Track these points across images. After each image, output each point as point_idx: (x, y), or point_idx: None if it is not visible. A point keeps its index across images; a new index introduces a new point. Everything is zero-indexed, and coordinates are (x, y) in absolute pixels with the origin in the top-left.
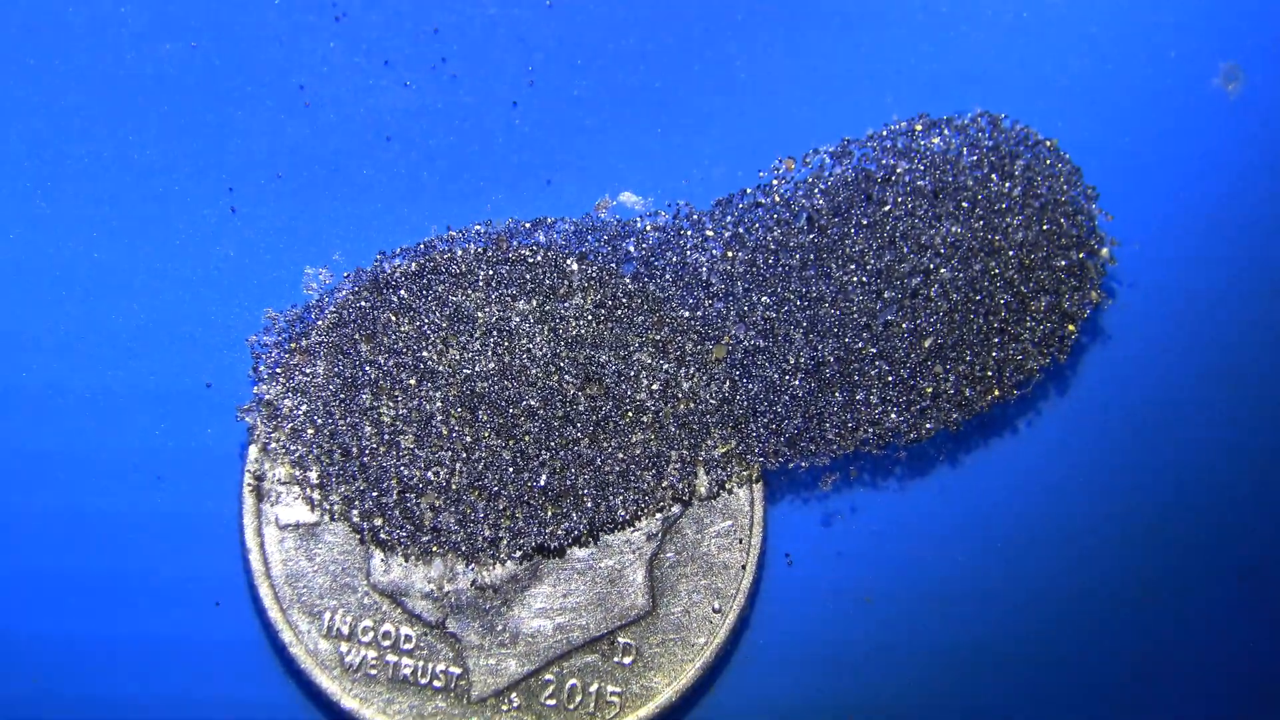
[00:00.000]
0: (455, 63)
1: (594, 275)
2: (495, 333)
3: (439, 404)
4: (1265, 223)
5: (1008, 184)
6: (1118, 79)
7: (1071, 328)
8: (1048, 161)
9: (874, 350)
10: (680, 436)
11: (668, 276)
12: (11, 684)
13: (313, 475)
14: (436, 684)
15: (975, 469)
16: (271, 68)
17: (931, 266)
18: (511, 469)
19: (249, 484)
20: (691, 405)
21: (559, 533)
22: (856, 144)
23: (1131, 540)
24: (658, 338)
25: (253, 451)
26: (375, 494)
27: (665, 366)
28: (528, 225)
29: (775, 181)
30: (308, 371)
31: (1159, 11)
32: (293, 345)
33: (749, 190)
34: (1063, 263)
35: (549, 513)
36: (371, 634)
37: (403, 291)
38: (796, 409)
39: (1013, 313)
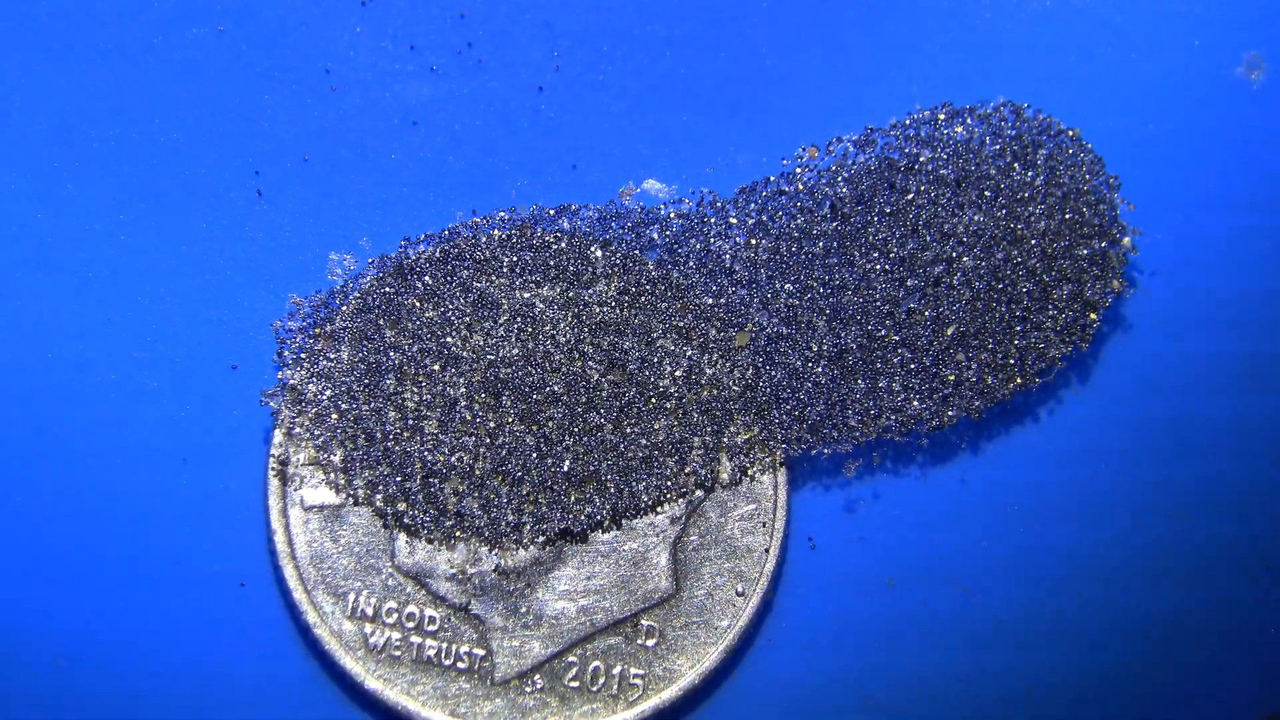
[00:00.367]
0: (481, 48)
1: (618, 262)
2: (519, 319)
3: (463, 389)
4: None
5: (1030, 173)
6: (1141, 68)
7: (1093, 316)
8: (1070, 151)
9: (897, 338)
10: (703, 423)
11: (691, 263)
12: (35, 663)
13: (337, 459)
14: (460, 665)
15: (997, 457)
16: (298, 52)
17: (954, 255)
18: (535, 454)
19: (274, 467)
20: (714, 392)
21: (582, 518)
22: (880, 132)
23: (1153, 527)
24: (681, 324)
25: (277, 436)
26: (399, 479)
27: (689, 353)
28: (552, 212)
29: (799, 169)
30: (332, 357)
31: (1182, 1)
32: (317, 330)
33: (773, 178)
34: (1085, 252)
35: (572, 498)
36: (396, 615)
37: (427, 277)
38: (819, 396)
39: (1035, 301)
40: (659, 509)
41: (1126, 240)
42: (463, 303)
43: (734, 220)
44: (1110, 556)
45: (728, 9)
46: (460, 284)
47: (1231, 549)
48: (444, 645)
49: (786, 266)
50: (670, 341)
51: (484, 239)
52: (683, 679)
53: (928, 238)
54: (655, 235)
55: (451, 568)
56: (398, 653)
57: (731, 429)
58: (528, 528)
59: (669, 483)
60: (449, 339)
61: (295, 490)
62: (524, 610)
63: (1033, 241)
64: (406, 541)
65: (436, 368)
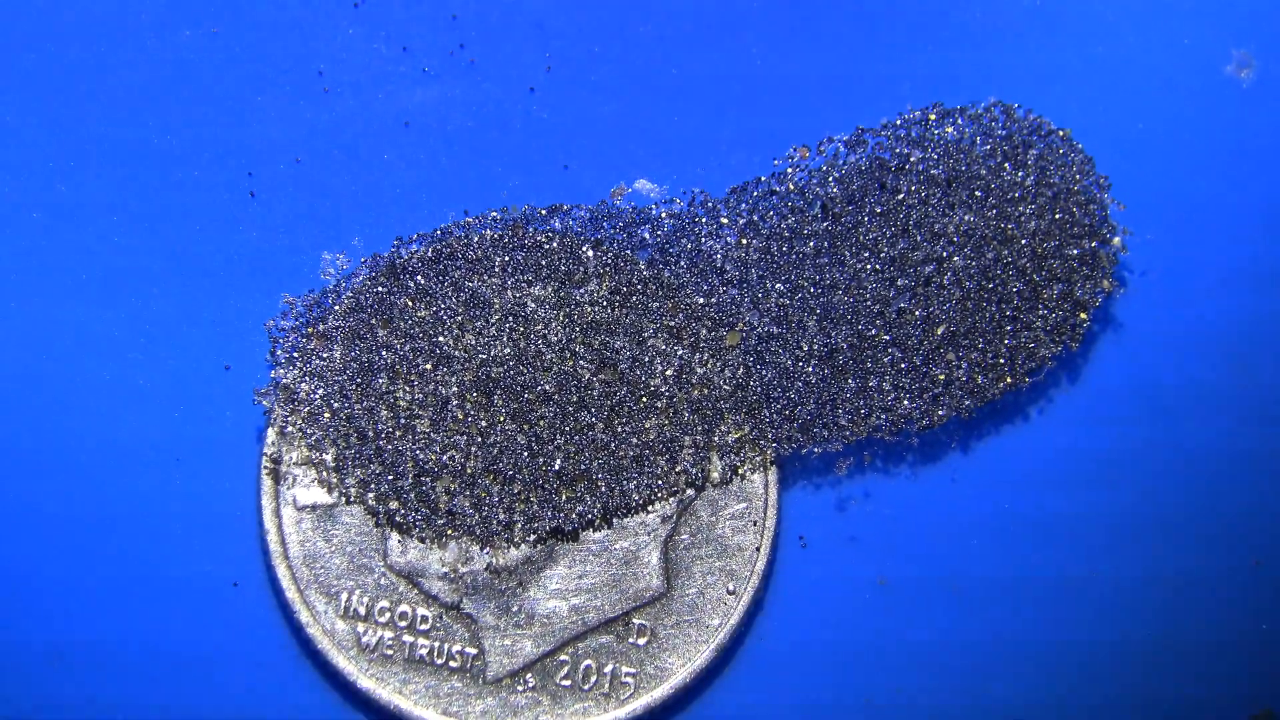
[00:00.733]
0: (473, 49)
1: (609, 262)
2: (511, 318)
3: (455, 389)
4: (1277, 211)
5: (1021, 173)
6: (1130, 67)
7: (1084, 316)
8: (1060, 151)
9: (887, 337)
10: (694, 422)
11: (683, 263)
12: (28, 662)
13: (329, 458)
14: (452, 664)
15: (987, 456)
16: (291, 54)
17: (945, 254)
18: (526, 453)
19: (266, 466)
20: (705, 391)
21: (573, 517)
22: (871, 133)
23: (1143, 527)
24: (672, 324)
25: (270, 434)
26: (391, 477)
27: (680, 352)
28: (544, 212)
29: (790, 170)
30: (325, 356)
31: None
32: (310, 330)
33: (764, 178)
34: (1075, 251)
35: (563, 497)
36: (388, 614)
37: (419, 277)
38: (810, 395)
39: (1025, 301)
40: (650, 508)
41: (1116, 240)
42: (455, 302)
43: (725, 220)
44: (1100, 555)
45: (719, 9)
46: (452, 283)
47: (1222, 546)
48: (436, 644)
49: (777, 266)
50: (661, 341)
51: (476, 239)
52: (674, 677)
53: (918, 237)
54: (647, 235)
55: (443, 566)
56: (390, 652)
57: (722, 428)
58: (519, 526)
59: (660, 481)
60: (441, 338)
61: (288, 489)
62: (516, 609)
63: (1023, 241)
64: (399, 541)
65: (429, 367)
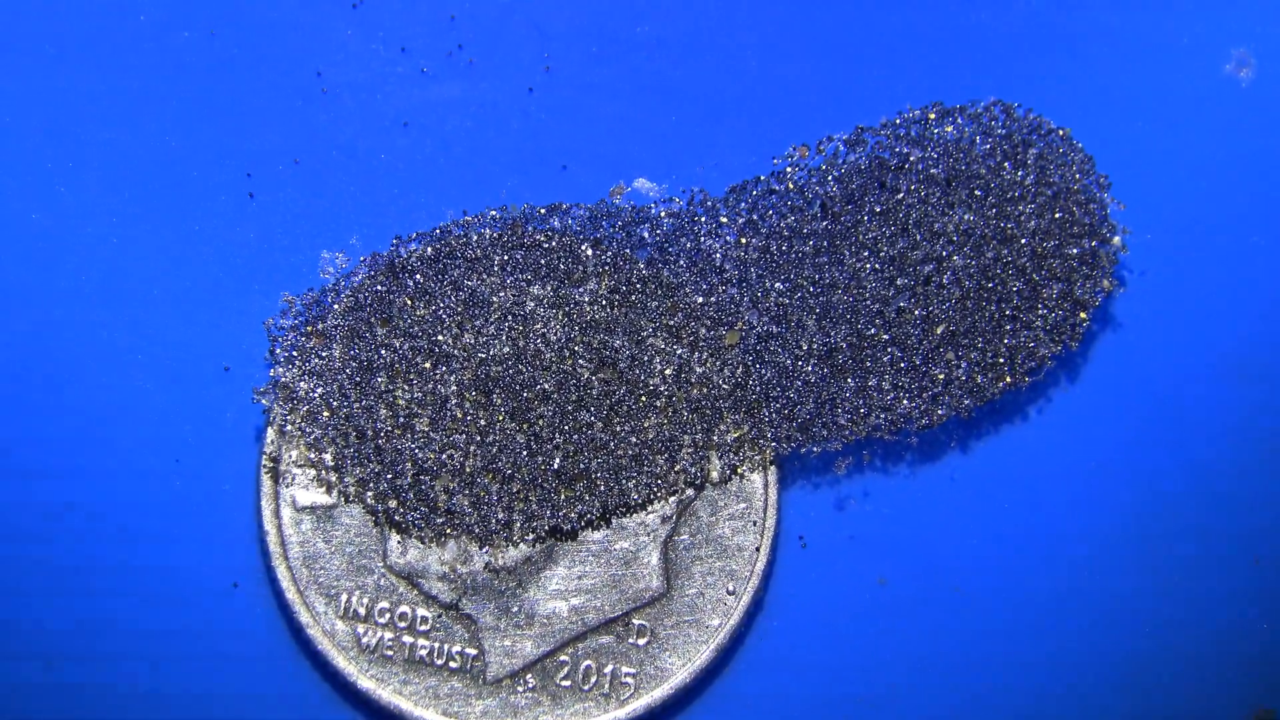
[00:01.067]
0: (471, 49)
1: (608, 261)
2: (510, 317)
3: (454, 387)
4: (1277, 210)
5: (1020, 172)
6: (1130, 66)
7: (1083, 315)
8: (1060, 150)
9: (886, 337)
10: (693, 421)
11: (682, 262)
12: (28, 664)
13: (328, 457)
14: (452, 665)
15: (986, 455)
16: (289, 54)
17: (944, 254)
18: (525, 452)
19: (266, 466)
20: (704, 390)
21: (572, 516)
22: (870, 132)
23: (1142, 526)
24: (671, 323)
25: (270, 434)
26: (390, 476)
27: (679, 351)
28: (543, 211)
29: (789, 169)
30: (324, 355)
31: None
32: (309, 329)
33: (763, 177)
34: (1075, 251)
35: (562, 496)
36: (388, 615)
37: (418, 276)
38: (809, 394)
39: (1025, 300)
40: (649, 507)
41: (1116, 239)
42: (454, 301)
43: (724, 219)
44: (1099, 553)
45: (717, 9)
46: (451, 282)
47: (1221, 543)
48: (436, 645)
49: (777, 265)
50: (660, 340)
51: (475, 238)
52: (674, 677)
53: (918, 237)
54: (646, 234)
55: (443, 566)
56: (390, 652)
57: (722, 427)
58: (518, 525)
59: (659, 481)
60: (440, 337)
61: (287, 488)
62: (515, 609)
63: (1023, 240)
64: (398, 541)
65: (428, 365)
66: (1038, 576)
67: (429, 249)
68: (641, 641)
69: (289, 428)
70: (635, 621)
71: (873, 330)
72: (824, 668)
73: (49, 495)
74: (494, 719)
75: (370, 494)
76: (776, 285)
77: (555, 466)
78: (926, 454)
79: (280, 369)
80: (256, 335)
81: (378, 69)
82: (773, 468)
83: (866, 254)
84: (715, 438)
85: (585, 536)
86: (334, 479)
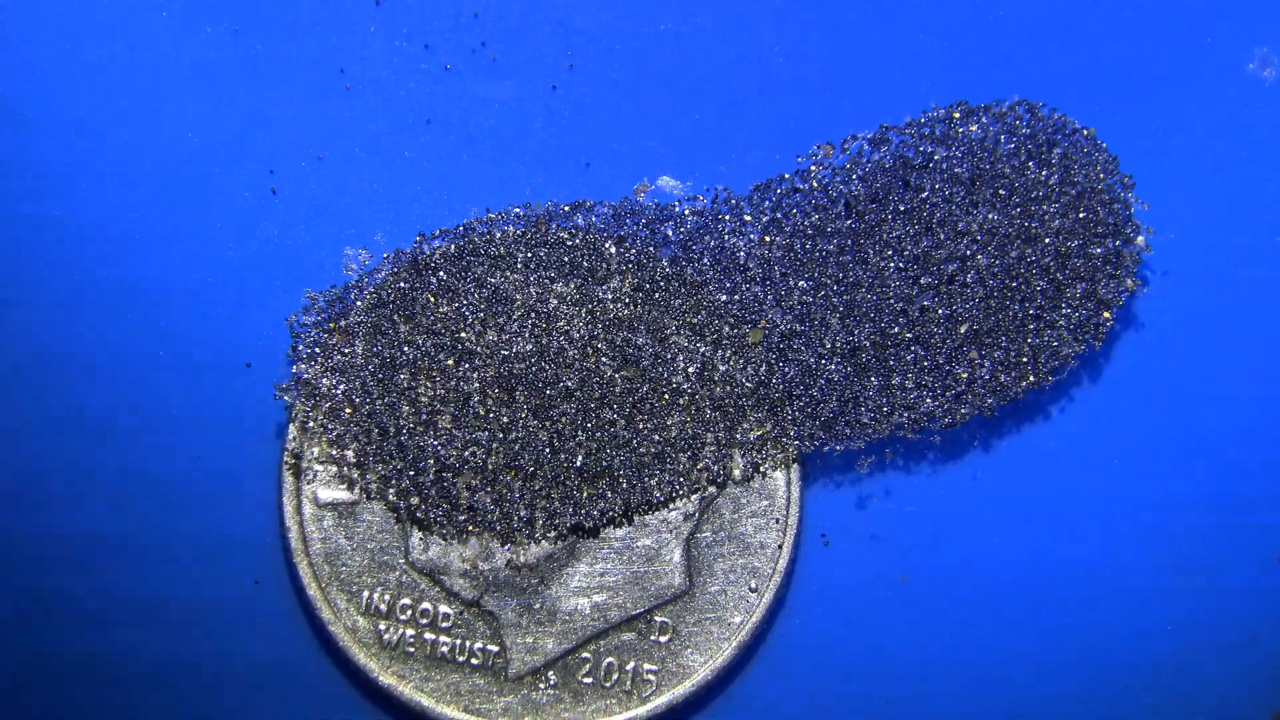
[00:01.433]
0: (495, 46)
1: (632, 258)
2: (533, 314)
3: (477, 385)
4: None
5: (1045, 172)
6: (1153, 66)
7: (1107, 315)
8: (1085, 149)
9: (910, 336)
10: (716, 419)
11: (705, 260)
12: (43, 660)
13: (350, 454)
14: (474, 662)
15: (1009, 454)
16: (312, 51)
17: (968, 253)
18: (548, 450)
19: (288, 462)
20: (727, 388)
21: (594, 513)
22: (895, 131)
23: (1164, 526)
24: (695, 321)
25: (292, 430)
26: (412, 473)
27: (702, 349)
28: (566, 208)
29: (813, 167)
30: (346, 351)
31: None
32: (332, 325)
33: (787, 175)
34: (1098, 250)
35: (584, 493)
36: (410, 612)
37: (442, 273)
38: (832, 393)
39: (1048, 299)
40: (671, 505)
41: (1140, 239)
42: (477, 298)
43: (748, 217)
44: (1121, 554)
45: (741, 6)
46: (475, 280)
47: (1244, 543)
48: (458, 642)
49: (801, 264)
50: (684, 338)
51: (499, 235)
52: (696, 675)
53: (942, 236)
54: (670, 232)
55: (464, 563)
56: (411, 649)
57: (744, 425)
58: (540, 523)
59: (681, 479)
60: (463, 334)
61: (309, 485)
62: (537, 606)
63: (1047, 240)
64: (420, 538)
65: (450, 363)
66: (1060, 576)
67: (452, 246)
68: (663, 639)
69: (311, 424)
70: (657, 619)
71: (896, 329)
72: (846, 666)
73: (69, 492)
74: (515, 716)
75: (392, 491)
76: (800, 284)
77: (578, 464)
78: (949, 453)
79: (302, 365)
80: (279, 331)
81: (401, 66)
82: (795, 465)
83: (890, 253)
84: (738, 436)
85: (607, 533)
86: (356, 476)
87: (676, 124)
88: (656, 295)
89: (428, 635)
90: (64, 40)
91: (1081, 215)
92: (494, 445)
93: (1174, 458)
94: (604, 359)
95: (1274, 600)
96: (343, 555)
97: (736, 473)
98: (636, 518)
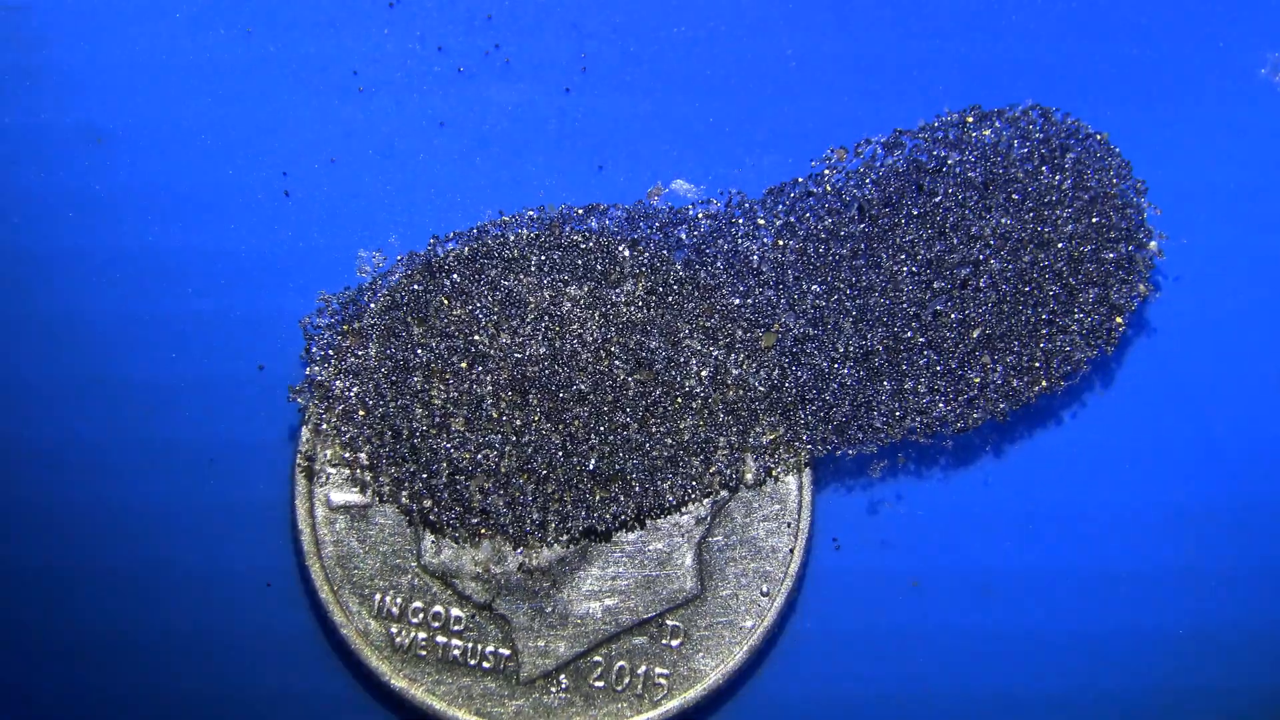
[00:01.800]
0: (508, 49)
1: (645, 262)
2: (546, 317)
3: (490, 387)
4: None
5: (1058, 177)
6: (1166, 70)
7: (1119, 320)
8: (1098, 154)
9: (923, 340)
10: (729, 423)
11: (719, 264)
12: (58, 662)
13: (363, 456)
14: (486, 665)
15: (1020, 460)
16: (325, 53)
17: (981, 258)
18: (560, 453)
19: (300, 465)
20: (740, 392)
21: (607, 517)
22: (908, 135)
23: (1177, 530)
24: (708, 325)
25: (304, 433)
26: (425, 476)
27: (715, 353)
28: (580, 211)
29: (827, 171)
30: (360, 353)
31: (1207, 2)
32: (345, 327)
33: (801, 179)
34: (1111, 255)
35: (597, 497)
36: (421, 615)
37: (455, 275)
38: (845, 397)
39: (1061, 305)
40: (683, 508)
41: (1153, 244)
42: (490, 301)
43: (762, 221)
44: (1133, 559)
45: (755, 10)
46: (488, 282)
47: (1256, 550)
48: (469, 645)
49: (814, 268)
50: (697, 341)
51: (512, 238)
52: (707, 679)
53: (955, 240)
54: (683, 235)
55: (476, 567)
56: (423, 652)
57: (757, 429)
58: (552, 526)
59: (694, 482)
60: (476, 337)
61: (322, 487)
62: (549, 610)
63: (1059, 245)
64: (432, 541)
65: (464, 365)
66: (1071, 580)
67: (466, 249)
68: (675, 643)
69: (324, 427)
70: (669, 622)
71: (909, 333)
72: (858, 670)
73: (83, 493)
74: None
75: (405, 494)
76: (813, 287)
77: (590, 467)
78: (961, 457)
79: (316, 367)
80: (292, 334)
81: (414, 68)
82: (807, 469)
83: (903, 257)
84: (750, 440)
85: (619, 537)
86: (369, 478)
87: (690, 127)
88: (670, 299)
89: (439, 638)
90: (79, 43)
91: (1094, 220)
92: (507, 448)
93: (1186, 463)
94: (617, 362)
95: None
96: (355, 558)
97: (749, 476)
98: (648, 521)
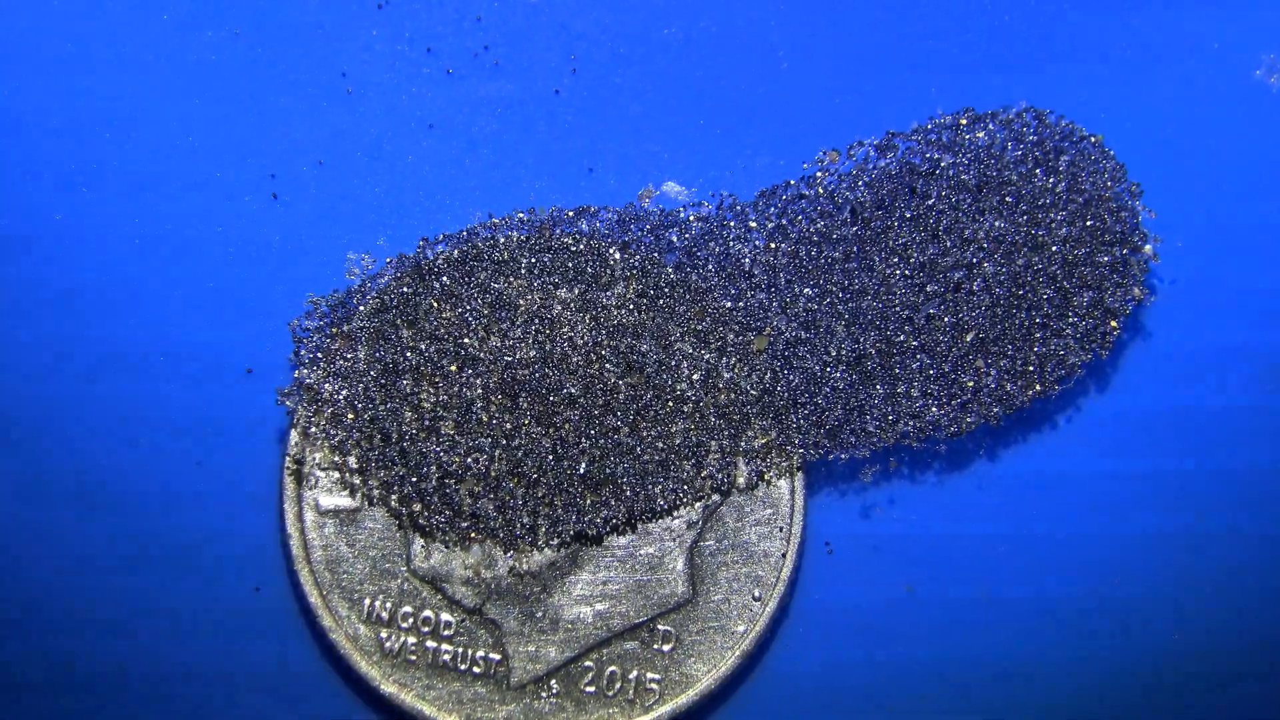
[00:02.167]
0: (498, 50)
1: (636, 264)
2: (537, 320)
3: (479, 391)
4: None
5: (1052, 179)
6: (1160, 72)
7: (1113, 324)
8: (1092, 157)
9: (916, 343)
10: (720, 427)
11: (710, 267)
12: (49, 665)
13: (352, 460)
14: (476, 670)
15: (1015, 463)
16: (314, 55)
17: (974, 260)
18: (551, 457)
19: (289, 468)
20: (732, 395)
21: (597, 521)
22: (901, 137)
23: (1170, 535)
24: (699, 328)
25: (293, 436)
26: (414, 479)
27: (706, 356)
28: (570, 214)
29: (819, 173)
30: (349, 356)
31: (1201, 3)
32: (335, 330)
33: (793, 182)
34: (1105, 259)
35: (588, 501)
36: (411, 619)
37: (445, 278)
38: (837, 401)
39: (1055, 308)
40: (675, 513)
41: (1148, 247)
42: (480, 304)
43: (753, 224)
44: (1127, 562)
45: (747, 11)
46: (478, 285)
47: (1249, 555)
48: (460, 650)
49: (806, 271)
50: (688, 345)
51: (502, 240)
52: (699, 684)
53: (948, 243)
54: (674, 238)
55: (467, 571)
56: (413, 657)
57: (749, 433)
58: (543, 529)
59: (685, 486)
60: (466, 340)
61: (311, 491)
62: (540, 615)
63: (1053, 248)
64: (422, 545)
65: (453, 368)
66: (1065, 585)
67: (455, 251)
68: (666, 647)
69: (313, 430)
70: (660, 627)
71: (902, 337)
72: (850, 675)
73: (71, 497)
74: None
75: (394, 497)
76: (805, 290)
77: (581, 471)
78: (954, 462)
79: (305, 371)
80: (281, 337)
81: (403, 70)
82: (799, 474)
83: (896, 260)
84: (742, 444)
85: (610, 542)
86: (358, 482)
87: (681, 129)
88: (661, 302)
89: (429, 643)
90: (66, 44)
91: (1089, 223)
92: (497, 452)
93: (1181, 467)
94: (608, 365)
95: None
96: (344, 562)
97: (741, 481)
98: (640, 525)
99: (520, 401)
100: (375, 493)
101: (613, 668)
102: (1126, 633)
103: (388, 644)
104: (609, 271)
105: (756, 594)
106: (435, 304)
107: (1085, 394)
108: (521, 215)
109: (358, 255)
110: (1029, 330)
